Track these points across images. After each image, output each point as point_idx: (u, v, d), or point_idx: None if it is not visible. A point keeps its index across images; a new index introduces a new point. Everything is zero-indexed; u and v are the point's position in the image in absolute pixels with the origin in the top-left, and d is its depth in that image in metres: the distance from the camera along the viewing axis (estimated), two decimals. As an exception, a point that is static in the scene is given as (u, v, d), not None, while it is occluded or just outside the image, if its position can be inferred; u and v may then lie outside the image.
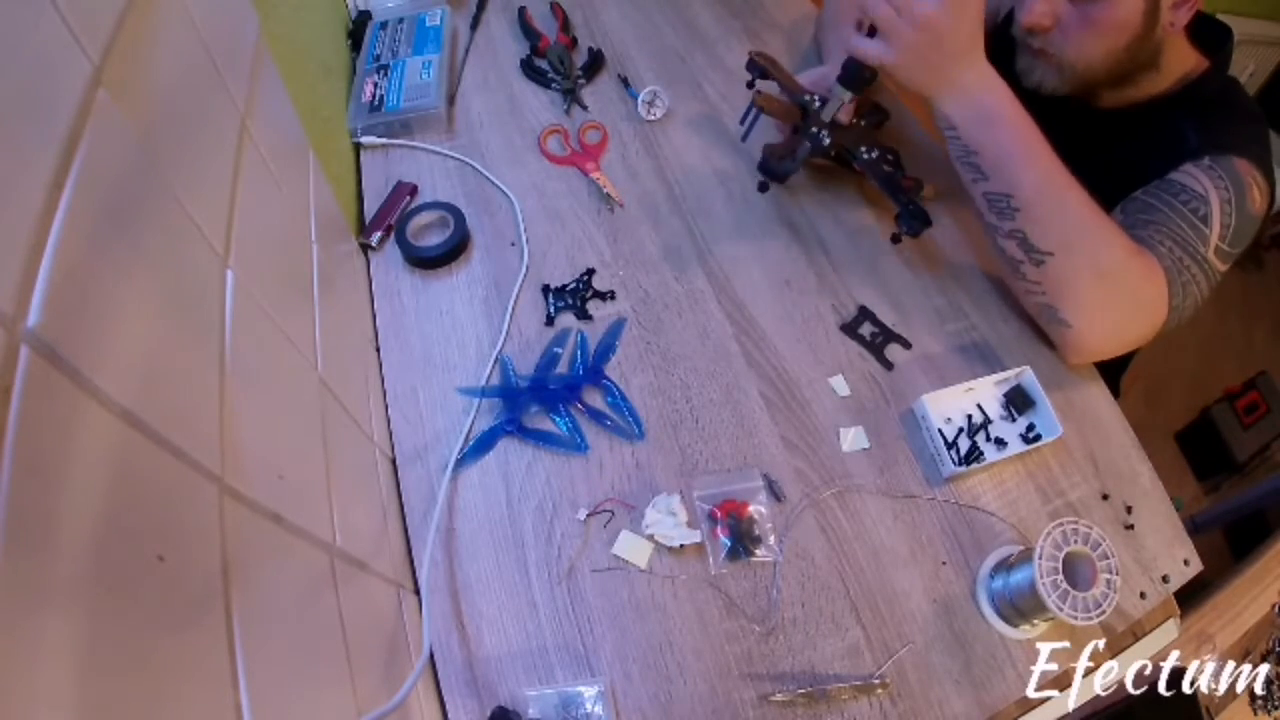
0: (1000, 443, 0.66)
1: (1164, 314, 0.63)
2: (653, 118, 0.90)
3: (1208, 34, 0.74)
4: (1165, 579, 0.62)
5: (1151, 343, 0.68)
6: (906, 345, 0.73)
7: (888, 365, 0.71)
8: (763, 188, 0.78)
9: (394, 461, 0.67)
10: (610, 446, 0.67)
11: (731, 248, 0.79)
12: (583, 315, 0.75)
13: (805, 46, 0.98)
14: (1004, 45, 0.78)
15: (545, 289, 0.77)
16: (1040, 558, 0.53)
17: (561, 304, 0.76)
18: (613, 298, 0.76)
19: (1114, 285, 0.62)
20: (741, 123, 0.77)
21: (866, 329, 0.74)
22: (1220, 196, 0.65)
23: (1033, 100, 0.70)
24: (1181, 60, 0.73)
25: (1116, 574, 0.53)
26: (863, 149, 0.74)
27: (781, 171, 0.75)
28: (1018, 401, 0.67)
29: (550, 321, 0.75)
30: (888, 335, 0.73)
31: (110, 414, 0.28)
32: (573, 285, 0.77)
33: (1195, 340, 1.93)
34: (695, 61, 0.97)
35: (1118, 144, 0.73)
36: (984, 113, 0.64)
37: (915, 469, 0.66)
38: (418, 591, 0.61)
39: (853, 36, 0.67)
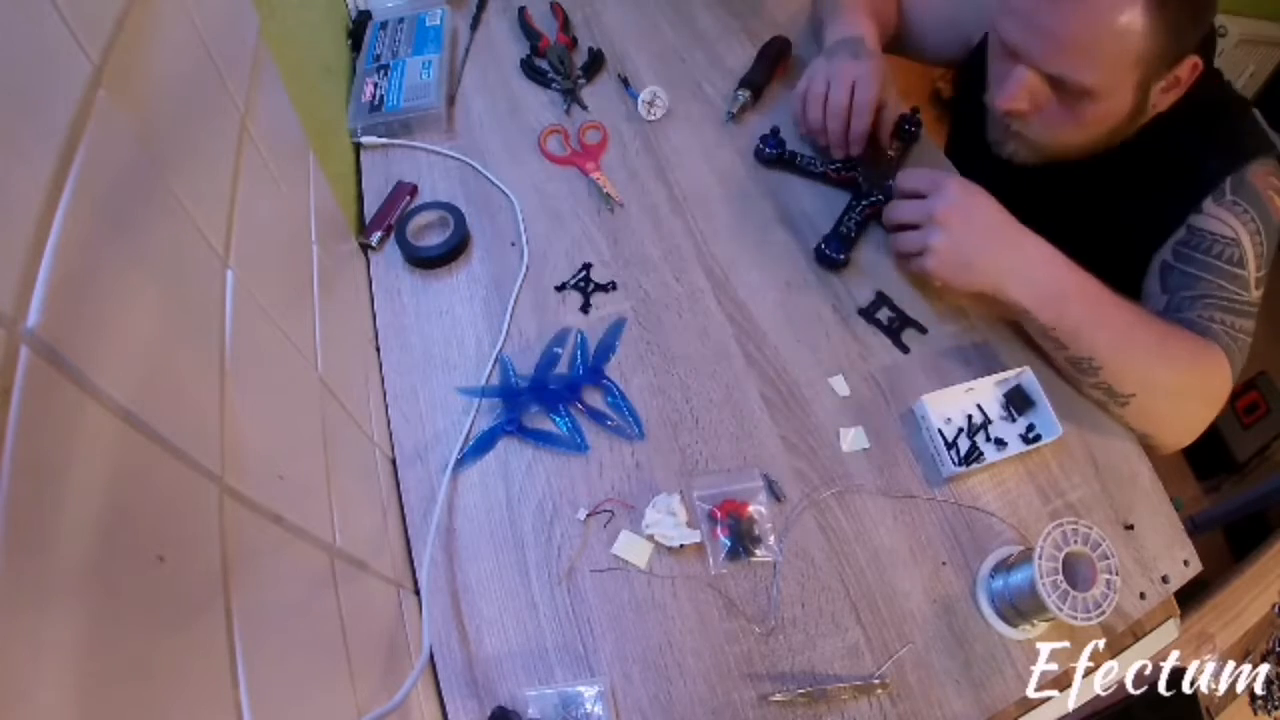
0: (1000, 443, 0.66)
1: (1229, 385, 0.64)
2: (653, 118, 0.90)
3: None
4: (1165, 579, 0.62)
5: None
6: (923, 330, 0.73)
7: (904, 349, 0.72)
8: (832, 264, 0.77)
9: (394, 461, 0.67)
10: (610, 446, 0.67)
11: (731, 248, 0.79)
12: (584, 307, 0.75)
13: (804, 46, 0.98)
14: (979, 82, 0.73)
15: (561, 288, 0.77)
16: (1040, 558, 0.53)
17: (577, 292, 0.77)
18: (613, 288, 0.76)
19: (1190, 397, 0.64)
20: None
21: (884, 314, 0.74)
22: (1249, 230, 0.64)
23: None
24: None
25: (1116, 574, 0.53)
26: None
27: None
28: (1018, 402, 0.67)
29: (585, 309, 0.75)
30: (904, 320, 0.74)
31: (110, 414, 0.28)
32: (573, 281, 0.77)
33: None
34: (695, 61, 0.97)
35: (1127, 184, 0.69)
36: (1049, 292, 0.63)
37: (915, 469, 0.66)
38: (418, 591, 0.61)
39: (896, 247, 0.71)
